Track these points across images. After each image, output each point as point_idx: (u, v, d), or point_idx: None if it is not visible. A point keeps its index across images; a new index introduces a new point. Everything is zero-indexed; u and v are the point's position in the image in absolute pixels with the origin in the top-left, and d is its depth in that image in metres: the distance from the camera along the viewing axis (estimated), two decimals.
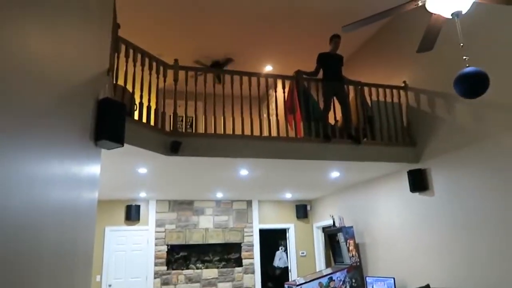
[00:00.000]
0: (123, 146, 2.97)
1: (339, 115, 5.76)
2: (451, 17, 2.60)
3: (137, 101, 4.50)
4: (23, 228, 1.29)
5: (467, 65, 2.66)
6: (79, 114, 2.28)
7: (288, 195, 8.41)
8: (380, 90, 5.93)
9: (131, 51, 4.46)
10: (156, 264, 8.00)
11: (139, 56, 4.58)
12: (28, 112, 1.34)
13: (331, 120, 5.69)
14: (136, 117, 4.43)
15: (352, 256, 6.79)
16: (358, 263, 6.77)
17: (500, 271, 4.31)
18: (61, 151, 1.81)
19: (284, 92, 5.60)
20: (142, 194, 7.65)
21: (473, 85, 2.59)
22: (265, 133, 5.30)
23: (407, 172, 5.67)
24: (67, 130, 1.97)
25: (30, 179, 1.36)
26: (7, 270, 1.17)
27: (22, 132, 1.29)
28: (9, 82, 1.16)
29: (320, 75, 5.72)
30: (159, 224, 8.23)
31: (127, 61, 4.39)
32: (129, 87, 4.48)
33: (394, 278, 5.82)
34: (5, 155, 1.14)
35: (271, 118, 5.37)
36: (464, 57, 2.74)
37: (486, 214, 4.54)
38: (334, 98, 5.63)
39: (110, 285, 7.70)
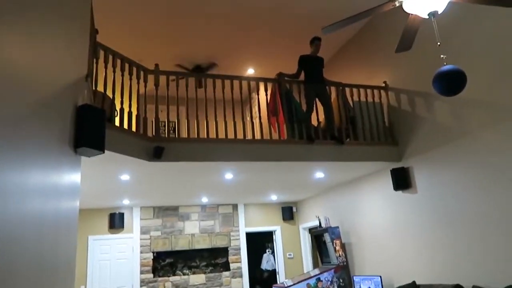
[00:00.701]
0: (103, 152, 2.91)
1: (321, 116, 5.79)
2: (428, 17, 2.64)
3: (118, 107, 4.44)
4: None
5: (445, 63, 2.71)
6: (57, 121, 2.23)
7: (274, 198, 8.41)
8: (362, 90, 6.00)
9: (110, 56, 4.40)
10: (142, 272, 7.89)
11: (118, 61, 4.52)
12: (1, 119, 1.29)
13: (314, 122, 5.72)
14: (117, 123, 4.36)
15: (339, 256, 6.82)
16: (345, 263, 6.81)
17: (483, 266, 4.38)
18: (38, 159, 1.76)
19: (266, 95, 5.60)
20: (126, 202, 7.54)
21: (451, 83, 2.64)
22: (249, 136, 5.29)
23: (390, 170, 5.73)
24: (45, 137, 1.92)
25: (4, 189, 1.31)
26: None
27: None
28: None
29: (302, 77, 5.74)
30: (144, 231, 8.12)
31: (106, 67, 4.33)
32: (109, 93, 4.41)
33: (380, 277, 5.87)
34: None
35: (254, 121, 5.36)
36: (442, 56, 2.79)
37: (467, 209, 4.62)
38: (317, 99, 5.66)
39: None
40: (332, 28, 2.91)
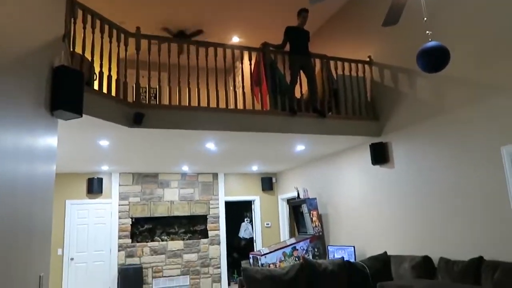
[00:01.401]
0: (81, 116, 2.84)
1: (304, 89, 5.76)
2: None
3: (97, 70, 4.31)
4: None
5: (430, 39, 2.70)
6: (32, 82, 2.15)
7: (254, 168, 8.47)
8: (346, 64, 5.97)
9: (89, 16, 4.22)
10: (120, 237, 7.93)
11: (98, 22, 4.34)
12: None
13: (297, 94, 5.70)
14: (96, 87, 4.24)
15: (315, 226, 6.99)
16: (321, 233, 6.99)
17: (451, 239, 4.57)
18: (10, 121, 1.70)
19: (250, 64, 5.52)
20: (105, 167, 7.47)
21: (435, 59, 2.64)
22: (231, 106, 5.24)
23: (370, 145, 5.82)
24: (18, 99, 1.85)
25: None
26: None
27: None
28: None
29: (287, 48, 5.67)
30: (122, 197, 8.10)
31: (85, 28, 4.15)
32: (87, 55, 4.26)
33: (354, 247, 6.06)
34: None
35: (237, 90, 5.30)
36: (428, 32, 2.78)
37: (441, 185, 4.75)
38: (301, 71, 5.62)
39: (72, 259, 7.58)
40: None
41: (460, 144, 4.51)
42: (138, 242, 8.08)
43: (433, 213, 4.86)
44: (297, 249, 6.74)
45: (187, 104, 4.96)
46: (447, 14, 4.70)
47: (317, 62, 5.88)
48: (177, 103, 4.93)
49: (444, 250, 4.65)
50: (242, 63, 5.66)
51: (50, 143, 2.70)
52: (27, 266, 2.04)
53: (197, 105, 4.98)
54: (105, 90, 4.33)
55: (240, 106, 5.30)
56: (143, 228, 8.25)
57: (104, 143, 5.34)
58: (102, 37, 4.39)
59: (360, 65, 6.06)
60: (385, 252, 5.40)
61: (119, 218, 8.01)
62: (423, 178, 5.03)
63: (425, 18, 2.86)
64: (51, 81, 2.63)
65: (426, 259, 4.65)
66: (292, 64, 5.52)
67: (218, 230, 8.67)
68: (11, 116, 1.71)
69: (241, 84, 5.63)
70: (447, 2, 4.72)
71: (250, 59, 5.51)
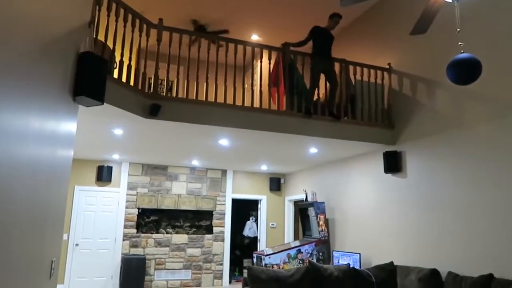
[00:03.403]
0: (102, 104, 2.84)
1: (321, 92, 5.71)
2: (451, 0, 2.56)
3: (117, 59, 4.31)
4: None
5: (462, 51, 2.65)
6: (59, 67, 2.14)
7: (264, 167, 8.44)
8: (365, 70, 5.91)
9: (113, 4, 4.22)
10: (125, 227, 7.95)
11: (121, 11, 4.35)
12: (3, 59, 1.22)
13: (313, 96, 5.65)
14: (115, 75, 4.24)
15: (322, 230, 6.94)
16: (327, 238, 6.95)
17: (460, 253, 4.51)
18: (38, 103, 1.70)
19: (269, 63, 5.49)
20: (115, 156, 7.49)
21: (467, 72, 2.59)
22: (247, 104, 5.22)
23: (383, 153, 5.76)
24: (45, 81, 1.84)
25: (6, 130, 1.26)
26: None
27: None
28: None
29: (308, 49, 5.61)
30: (131, 187, 8.13)
31: (109, 15, 4.16)
32: (109, 43, 4.26)
33: (360, 254, 6.01)
34: None
35: (254, 88, 5.27)
36: (460, 43, 2.73)
37: (453, 199, 4.69)
38: (322, 75, 5.57)
39: (77, 244, 7.62)
40: (350, 2, 2.81)
41: (477, 160, 4.44)
42: (143, 233, 8.10)
43: (443, 226, 4.80)
44: (302, 252, 6.71)
45: (204, 99, 4.95)
46: (474, 28, 4.62)
47: (336, 66, 5.83)
48: (194, 97, 4.92)
49: (452, 264, 4.59)
50: (261, 62, 5.63)
51: (70, 128, 2.70)
52: (42, 250, 2.04)
53: (213, 100, 4.96)
54: (124, 79, 4.33)
55: (256, 104, 5.26)
56: (149, 219, 8.27)
57: (118, 132, 5.35)
58: (124, 26, 4.39)
59: (379, 72, 5.99)
60: (392, 262, 5.34)
61: (126, 207, 8.03)
62: (436, 190, 4.97)
63: (458, 30, 2.81)
64: (76, 66, 2.63)
65: (434, 272, 4.59)
66: (315, 66, 5.47)
67: (223, 227, 8.66)
68: (38, 100, 1.70)
69: (258, 82, 5.60)
70: (476, 15, 4.64)
71: (269, 58, 5.48)
